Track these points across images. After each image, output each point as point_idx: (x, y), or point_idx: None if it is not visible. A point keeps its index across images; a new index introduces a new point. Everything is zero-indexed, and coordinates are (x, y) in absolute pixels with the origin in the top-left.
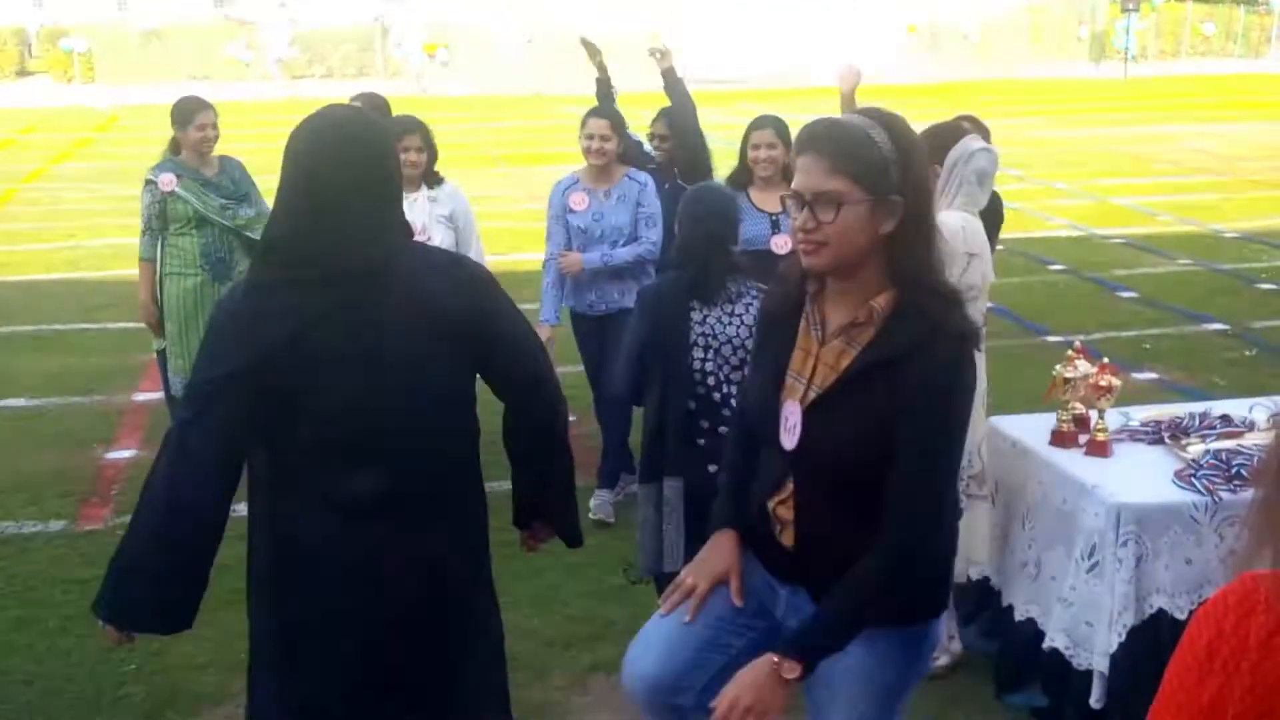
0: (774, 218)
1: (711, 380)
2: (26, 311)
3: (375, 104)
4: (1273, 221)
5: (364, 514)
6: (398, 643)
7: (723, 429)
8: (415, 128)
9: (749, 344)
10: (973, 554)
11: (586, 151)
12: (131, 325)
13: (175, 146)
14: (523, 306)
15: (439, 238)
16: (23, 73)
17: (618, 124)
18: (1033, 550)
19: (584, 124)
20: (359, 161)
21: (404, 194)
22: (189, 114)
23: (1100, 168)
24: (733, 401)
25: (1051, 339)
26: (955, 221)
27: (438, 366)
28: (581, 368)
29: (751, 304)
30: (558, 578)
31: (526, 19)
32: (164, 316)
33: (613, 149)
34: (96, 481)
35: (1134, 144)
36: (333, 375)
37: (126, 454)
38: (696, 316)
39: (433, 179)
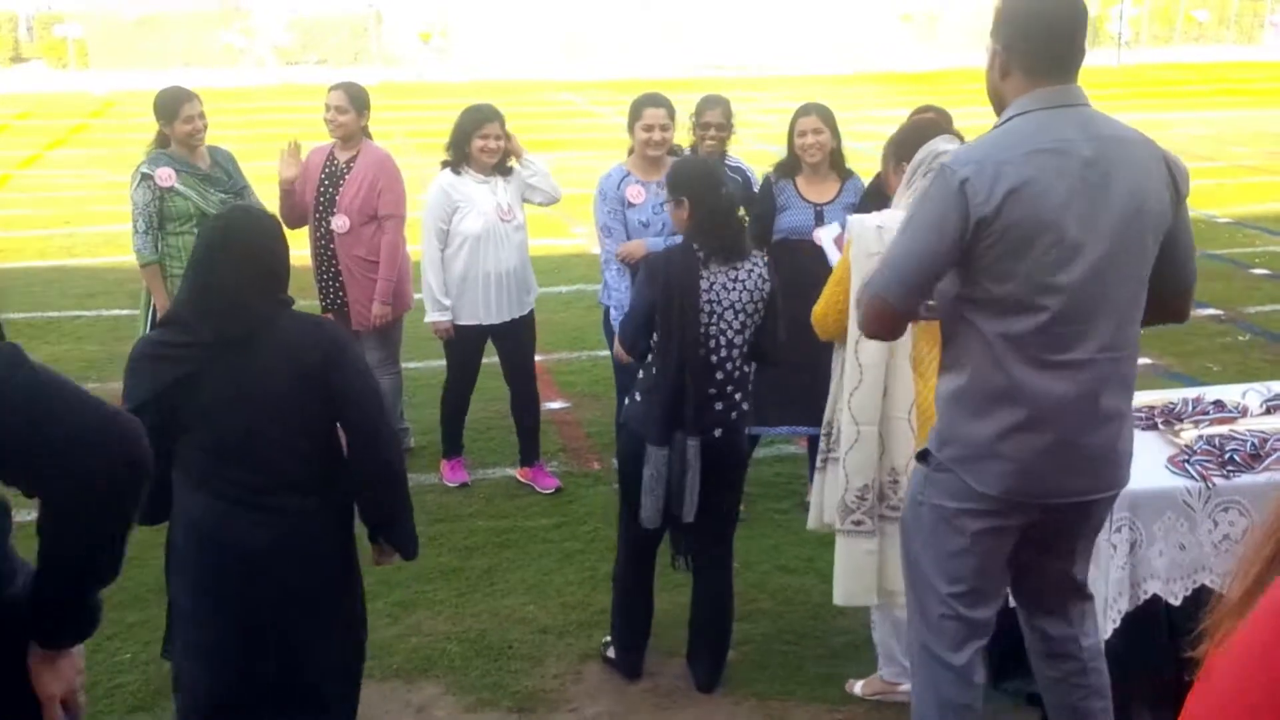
0: (819, 209)
1: (713, 343)
2: (21, 298)
3: (354, 93)
4: (1266, 207)
5: (241, 504)
6: (267, 605)
7: (712, 391)
8: (493, 116)
9: (748, 308)
10: (887, 581)
11: (645, 143)
12: (125, 312)
13: (163, 139)
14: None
15: (521, 216)
16: (17, 58)
17: (672, 113)
18: None
19: (638, 113)
20: (243, 256)
21: (487, 178)
22: (174, 107)
23: None
24: (728, 366)
25: None
26: (872, 221)
27: (295, 403)
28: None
29: (753, 269)
30: (552, 565)
31: (522, 5)
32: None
33: (669, 138)
34: None
35: None
36: (216, 406)
37: None
38: (704, 282)
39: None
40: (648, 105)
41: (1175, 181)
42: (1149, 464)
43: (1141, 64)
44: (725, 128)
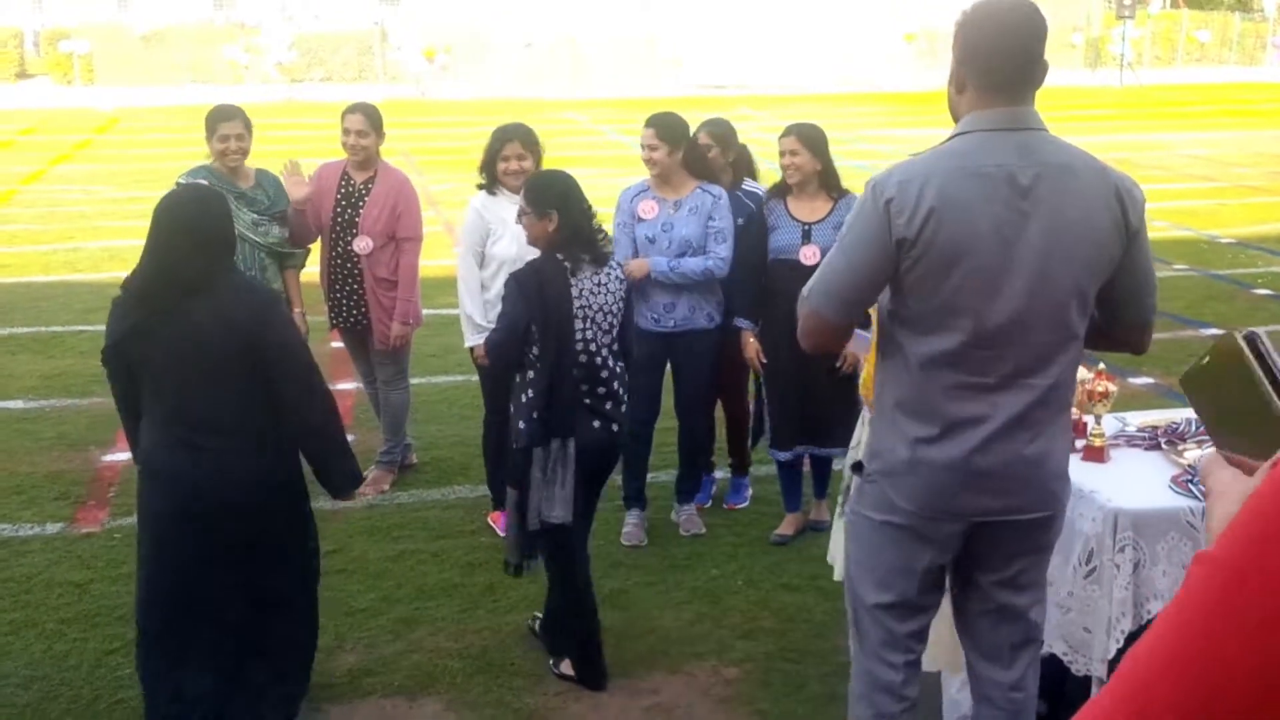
0: (806, 227)
1: (593, 347)
2: (25, 313)
3: (373, 116)
4: (1268, 228)
5: (178, 441)
6: (210, 531)
7: (601, 390)
8: (513, 136)
9: (614, 309)
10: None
11: (645, 161)
12: None
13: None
14: None
15: None
16: (22, 74)
17: (670, 134)
18: None
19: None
20: (187, 227)
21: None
22: (214, 124)
23: None
24: (609, 364)
25: None
26: None
27: (227, 355)
28: None
29: (612, 271)
30: None
31: (525, 23)
32: None
33: (661, 158)
34: (93, 484)
35: (1130, 150)
36: (156, 356)
37: (123, 456)
38: (574, 289)
39: None
40: (645, 126)
41: (1126, 213)
42: (1152, 484)
43: (1144, 85)
44: (711, 148)
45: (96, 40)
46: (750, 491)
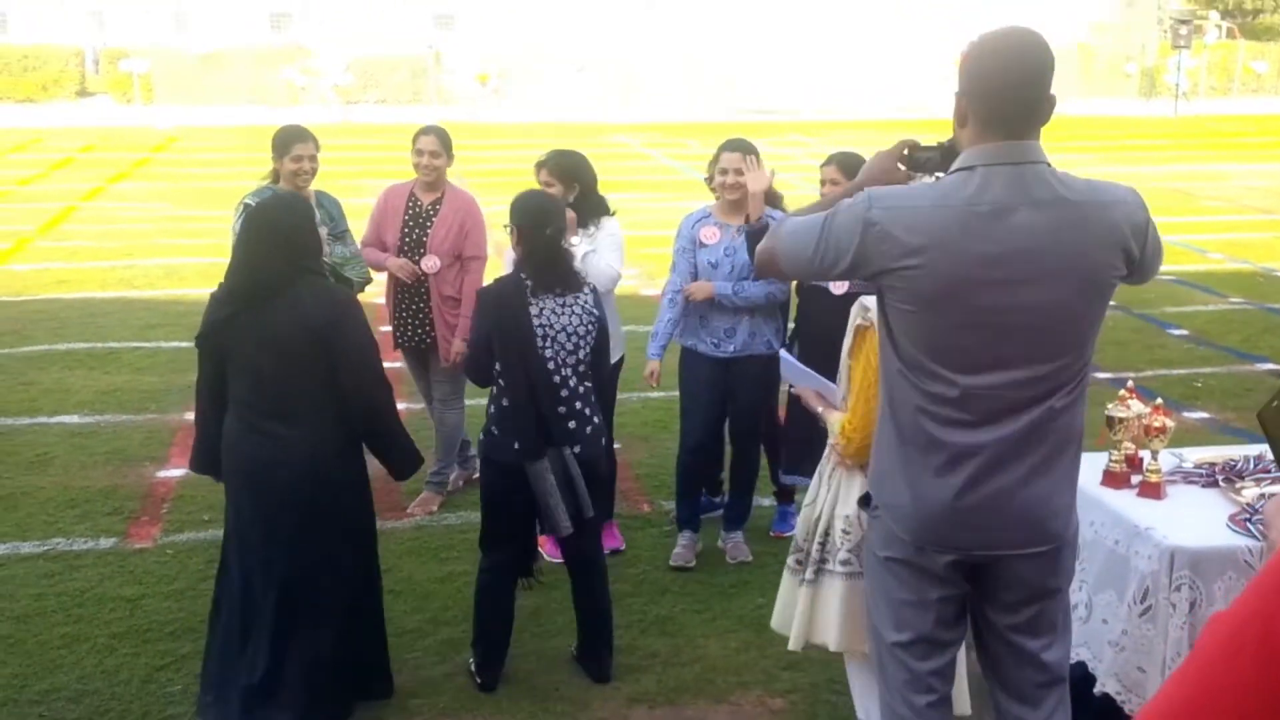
0: None
1: (551, 365)
2: (82, 328)
3: (444, 138)
4: None
5: (250, 427)
6: (282, 508)
7: (562, 409)
8: (544, 163)
9: (580, 330)
10: (815, 634)
11: (721, 186)
12: (184, 345)
13: (275, 175)
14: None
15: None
16: (83, 92)
17: (749, 153)
18: (1083, 592)
19: (717, 157)
20: (270, 230)
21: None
22: (287, 144)
23: (1150, 205)
24: (571, 383)
25: (1101, 375)
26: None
27: (301, 353)
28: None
29: (581, 298)
30: None
31: (578, 47)
32: None
33: (744, 180)
34: (147, 500)
35: (1185, 181)
36: (241, 346)
37: (177, 473)
38: (534, 308)
39: (585, 215)
40: (725, 150)
41: (1129, 242)
42: (1210, 522)
43: (1199, 115)
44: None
45: (156, 60)
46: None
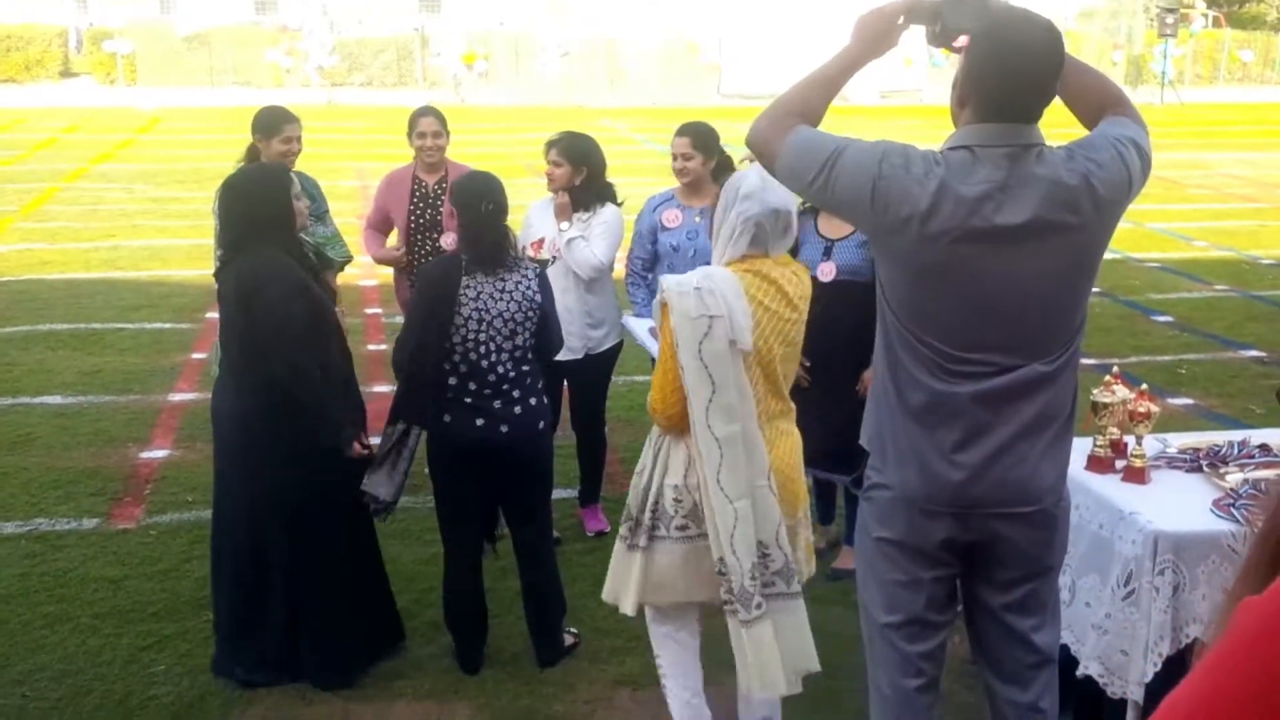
0: (828, 244)
1: (482, 349)
2: (66, 309)
3: (442, 117)
4: None
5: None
6: (224, 456)
7: (488, 391)
8: (554, 142)
9: (517, 317)
10: (649, 595)
11: (675, 171)
12: (168, 326)
13: (253, 155)
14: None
15: (583, 254)
16: (66, 73)
17: (705, 144)
18: (1067, 575)
19: (672, 142)
20: (239, 195)
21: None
22: (275, 125)
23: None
24: (500, 369)
25: (1086, 361)
26: (691, 281)
27: (230, 312)
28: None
29: (522, 284)
30: (585, 589)
31: (564, 31)
32: None
33: (696, 167)
34: (130, 481)
35: (1170, 169)
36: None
37: (160, 454)
38: (470, 292)
39: (588, 199)
40: (676, 135)
41: (1094, 190)
42: (1193, 507)
43: (1185, 104)
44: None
45: (139, 41)
46: None
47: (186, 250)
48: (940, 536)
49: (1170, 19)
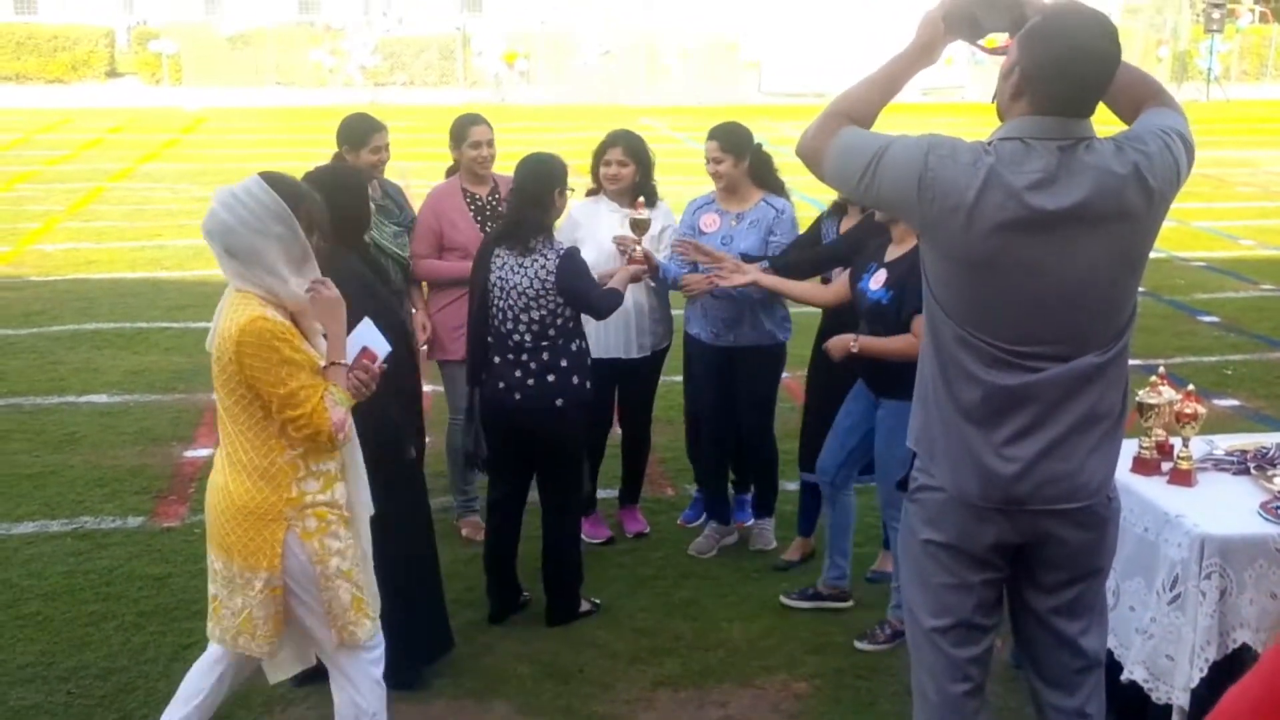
0: None
1: (503, 316)
2: (111, 308)
3: (488, 121)
4: None
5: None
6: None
7: (510, 358)
8: (616, 141)
9: (529, 292)
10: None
11: (710, 176)
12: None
13: None
14: None
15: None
16: (112, 73)
17: (734, 145)
18: (1111, 579)
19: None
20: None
21: (620, 206)
22: (364, 135)
23: (1181, 190)
24: (516, 337)
25: (1132, 362)
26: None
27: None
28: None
29: (539, 262)
30: (624, 590)
31: (605, 29)
32: None
33: (727, 169)
34: (174, 479)
35: (1216, 167)
36: None
37: (204, 452)
38: (498, 261)
39: (649, 198)
40: (707, 139)
41: (1145, 182)
42: (1241, 509)
43: (1231, 100)
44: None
45: (184, 41)
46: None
47: None
48: (990, 539)
49: (1216, 14)
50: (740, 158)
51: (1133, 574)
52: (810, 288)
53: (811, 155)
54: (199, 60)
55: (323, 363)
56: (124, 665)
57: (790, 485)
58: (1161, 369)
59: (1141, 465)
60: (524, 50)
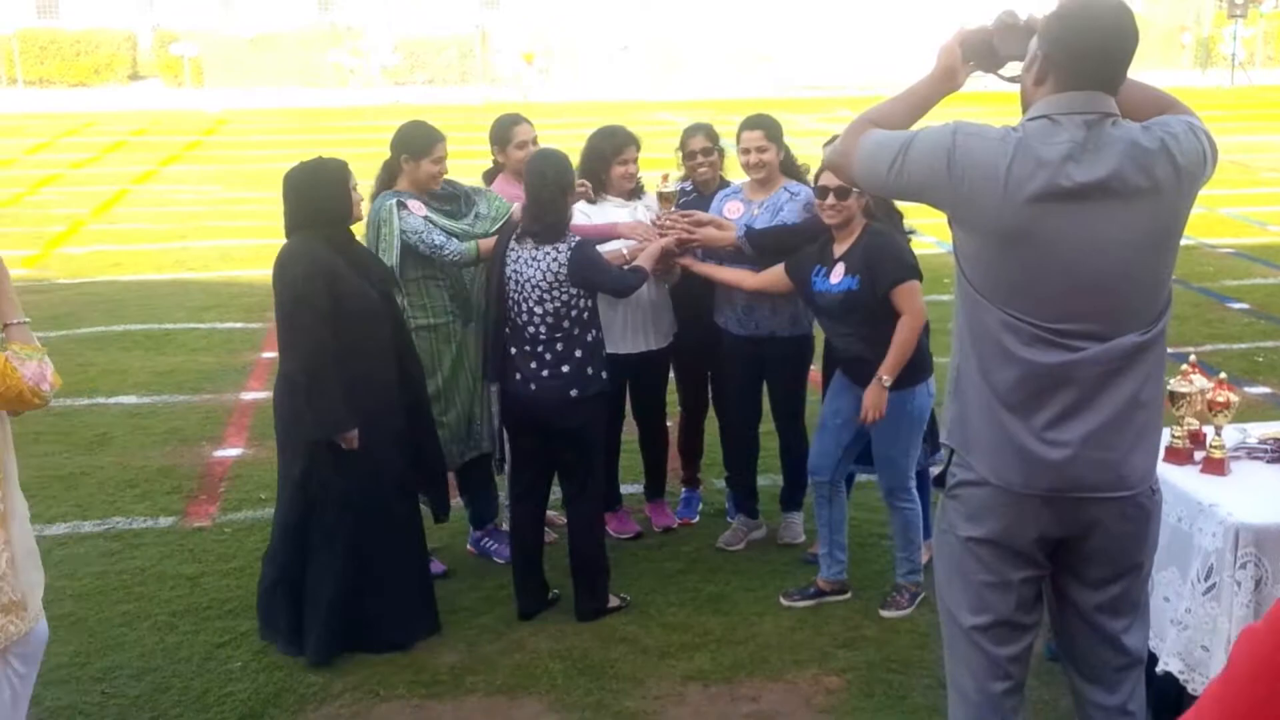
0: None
1: (519, 308)
2: (138, 310)
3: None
4: None
5: None
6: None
7: (527, 349)
8: (631, 141)
9: (542, 285)
10: None
11: (744, 165)
12: (238, 325)
13: (390, 177)
14: None
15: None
16: (134, 76)
17: (777, 134)
18: None
19: (738, 137)
20: (287, 186)
21: (627, 202)
22: (427, 145)
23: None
24: (531, 329)
25: None
26: None
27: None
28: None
29: (551, 254)
30: (653, 585)
31: (622, 26)
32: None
33: (772, 158)
34: (204, 479)
35: (1242, 153)
36: None
37: (233, 452)
38: (513, 255)
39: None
40: (743, 129)
41: (1174, 159)
42: (1275, 498)
43: (1256, 85)
44: (711, 151)
45: (205, 44)
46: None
47: (255, 250)
48: (1035, 532)
49: (1240, 0)
50: (780, 147)
51: (1167, 564)
52: (740, 274)
53: (842, 158)
54: (220, 62)
55: None
56: (158, 665)
57: None
58: (1193, 357)
59: (1174, 454)
60: (543, 47)
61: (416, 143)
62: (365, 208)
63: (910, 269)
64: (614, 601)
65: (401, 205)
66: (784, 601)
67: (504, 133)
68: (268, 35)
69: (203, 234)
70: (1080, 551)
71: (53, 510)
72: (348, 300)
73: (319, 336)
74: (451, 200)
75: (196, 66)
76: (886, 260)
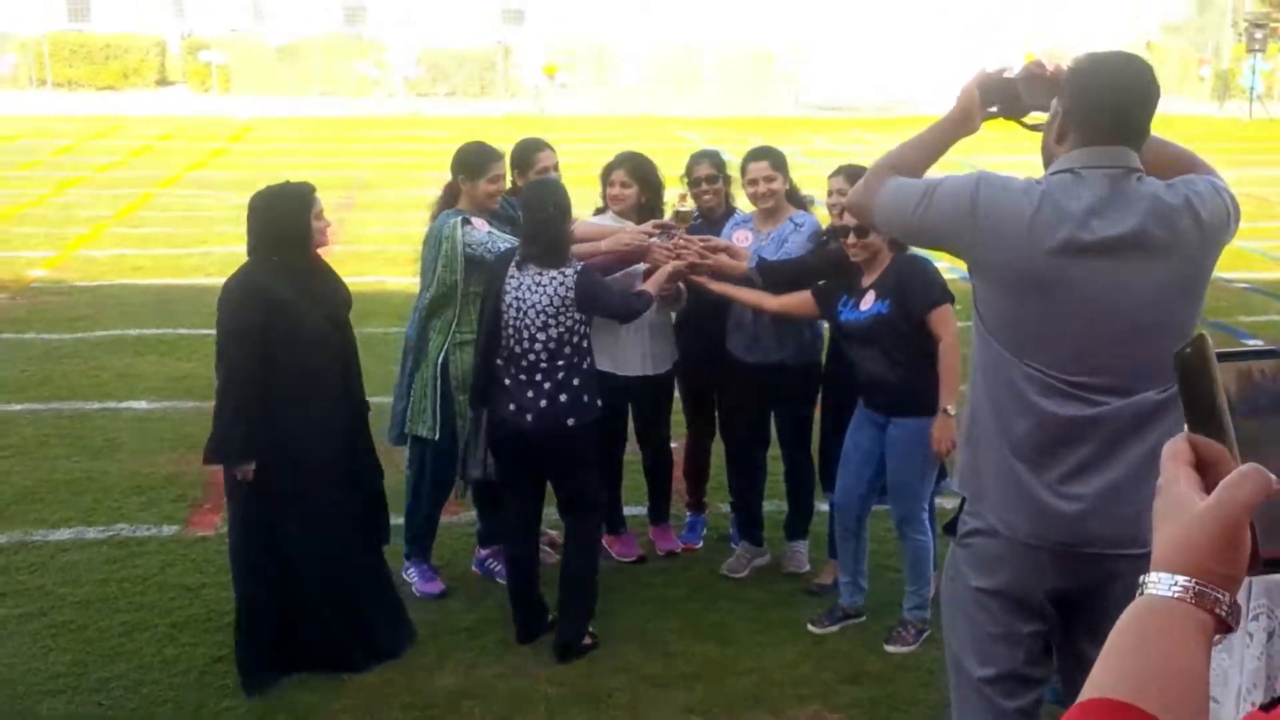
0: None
1: (517, 335)
2: (154, 314)
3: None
4: None
5: None
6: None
7: (522, 378)
8: (619, 164)
9: (548, 310)
10: None
11: (752, 196)
12: None
13: (452, 197)
14: None
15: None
16: (162, 82)
17: (782, 165)
18: None
19: (744, 169)
20: (249, 212)
21: (625, 224)
22: (483, 165)
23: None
24: (531, 356)
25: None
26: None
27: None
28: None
29: (557, 279)
30: (652, 612)
31: (645, 41)
32: (451, 393)
33: (779, 188)
34: (210, 488)
35: (1260, 186)
36: None
37: None
38: (514, 282)
39: (647, 216)
40: (749, 160)
41: (1198, 215)
42: None
43: (1275, 118)
44: (716, 179)
45: (233, 52)
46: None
47: None
48: (1047, 585)
49: (1259, 33)
50: (785, 177)
51: None
52: (760, 295)
53: (864, 202)
54: (247, 70)
55: None
56: (155, 678)
57: (821, 506)
58: None
59: None
60: (564, 62)
61: (472, 163)
62: (426, 225)
63: (943, 291)
64: (587, 640)
65: (466, 221)
66: (813, 629)
67: (526, 158)
68: (294, 44)
69: (223, 240)
70: (1094, 606)
71: (57, 515)
72: (287, 328)
73: (243, 368)
74: (512, 224)
75: (224, 74)
76: (918, 284)
